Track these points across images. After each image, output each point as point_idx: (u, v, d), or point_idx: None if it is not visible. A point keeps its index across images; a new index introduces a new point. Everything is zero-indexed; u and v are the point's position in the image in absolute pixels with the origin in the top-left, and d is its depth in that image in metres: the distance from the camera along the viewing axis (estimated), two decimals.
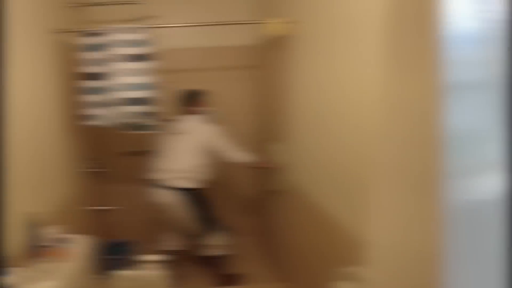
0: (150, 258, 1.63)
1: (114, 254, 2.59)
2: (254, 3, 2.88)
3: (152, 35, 2.13)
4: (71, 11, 2.23)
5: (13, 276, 1.07)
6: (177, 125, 2.42)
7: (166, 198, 2.30)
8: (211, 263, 2.58)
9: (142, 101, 1.97)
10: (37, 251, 1.46)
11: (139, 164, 2.97)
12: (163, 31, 2.77)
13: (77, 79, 2.16)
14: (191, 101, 2.47)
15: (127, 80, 1.94)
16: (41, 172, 1.68)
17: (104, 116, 1.98)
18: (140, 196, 3.03)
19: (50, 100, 1.84)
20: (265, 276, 2.66)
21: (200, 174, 2.31)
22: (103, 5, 2.51)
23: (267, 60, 2.62)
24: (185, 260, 2.75)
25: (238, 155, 2.34)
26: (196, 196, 2.30)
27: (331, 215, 1.58)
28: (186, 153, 2.30)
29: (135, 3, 2.24)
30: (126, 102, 1.95)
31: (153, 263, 1.62)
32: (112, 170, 2.94)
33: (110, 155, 2.91)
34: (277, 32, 2.01)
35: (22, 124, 1.51)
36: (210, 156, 2.34)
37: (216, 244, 2.43)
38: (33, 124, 1.63)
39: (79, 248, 1.67)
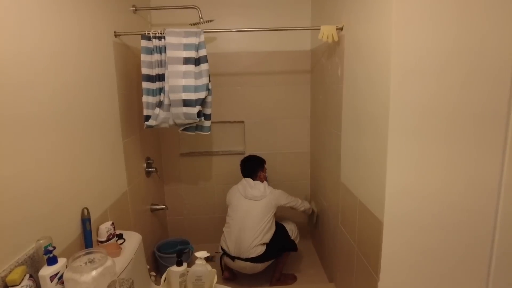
0: (202, 255, 1.63)
1: (166, 251, 2.68)
2: (309, 9, 2.86)
3: (209, 39, 2.13)
4: (132, 14, 2.34)
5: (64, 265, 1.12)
6: (245, 192, 2.53)
7: (243, 268, 2.45)
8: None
9: (196, 102, 1.99)
10: (91, 244, 1.53)
11: (194, 165, 3.05)
12: (220, 35, 2.83)
13: (138, 80, 2.26)
14: (258, 168, 2.66)
15: (181, 82, 1.97)
16: (100, 169, 1.77)
17: (160, 116, 2.04)
18: (195, 197, 3.11)
19: (113, 100, 1.94)
20: (315, 276, 2.73)
21: (267, 234, 2.44)
22: (162, 9, 2.62)
23: (321, 65, 2.62)
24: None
25: (304, 205, 2.64)
26: (269, 250, 2.43)
27: (371, 210, 1.66)
28: (255, 220, 2.42)
29: (193, 8, 2.28)
30: (180, 103, 1.99)
31: (204, 260, 1.62)
32: (168, 170, 3.04)
33: (166, 156, 3.02)
34: (329, 38, 2.05)
35: (91, 120, 1.61)
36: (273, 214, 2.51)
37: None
38: (101, 122, 1.73)
39: (132, 244, 1.73)
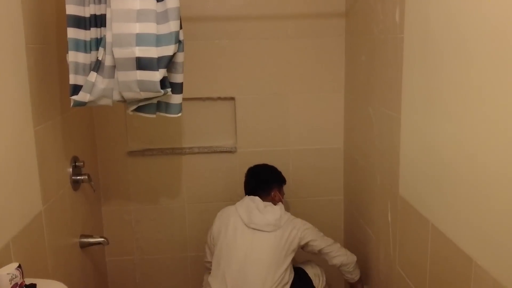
0: None
1: None
2: None
3: None
4: None
5: None
6: (250, 217, 2.51)
7: None
8: None
9: (159, 63, 1.95)
10: None
11: (152, 170, 3.00)
12: None
13: (61, 26, 2.21)
14: (273, 182, 2.72)
15: (134, 29, 1.93)
16: None
17: (98, 87, 2.00)
18: (153, 224, 3.07)
19: (18, 60, 1.89)
20: None
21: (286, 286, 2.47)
22: None
23: (364, 4, 2.64)
24: None
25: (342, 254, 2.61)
26: None
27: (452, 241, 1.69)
28: (266, 264, 2.41)
29: None
30: (132, 64, 1.95)
31: None
32: (109, 179, 3.01)
33: (105, 155, 3.00)
34: None
35: None
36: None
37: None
38: None
39: None
